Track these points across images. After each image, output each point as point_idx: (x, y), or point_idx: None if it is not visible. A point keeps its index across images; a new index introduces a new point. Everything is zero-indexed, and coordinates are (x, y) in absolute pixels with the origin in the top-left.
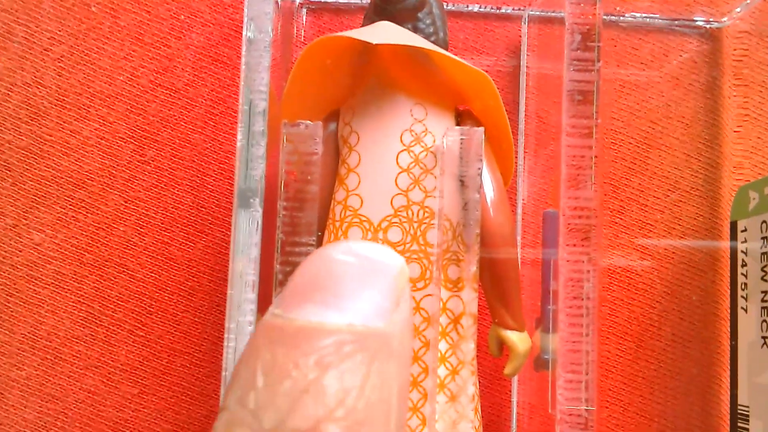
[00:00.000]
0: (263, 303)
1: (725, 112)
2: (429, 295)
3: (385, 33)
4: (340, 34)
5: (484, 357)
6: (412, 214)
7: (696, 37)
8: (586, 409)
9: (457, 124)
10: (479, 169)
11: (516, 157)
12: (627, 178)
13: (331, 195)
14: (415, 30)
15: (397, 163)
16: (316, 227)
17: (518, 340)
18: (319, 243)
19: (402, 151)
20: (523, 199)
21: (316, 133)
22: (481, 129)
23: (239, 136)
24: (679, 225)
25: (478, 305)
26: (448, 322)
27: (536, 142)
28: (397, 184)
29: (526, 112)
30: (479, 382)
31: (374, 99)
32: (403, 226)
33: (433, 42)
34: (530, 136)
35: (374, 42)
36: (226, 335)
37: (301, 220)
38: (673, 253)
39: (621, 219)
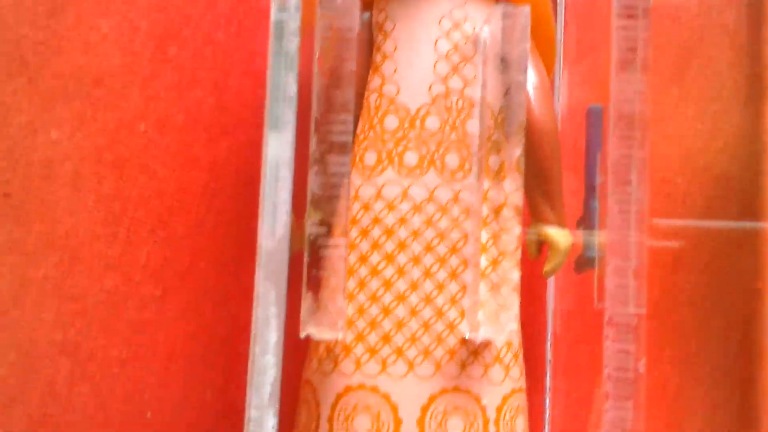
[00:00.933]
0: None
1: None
2: (467, 186)
3: None
4: None
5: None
6: (451, 103)
7: None
8: (638, 312)
9: None
10: (525, 50)
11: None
12: (667, 88)
13: (365, 83)
14: None
15: (436, 49)
16: (352, 105)
17: (560, 235)
18: (354, 127)
19: (440, 37)
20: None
21: (353, 7)
22: (527, 7)
23: (273, 10)
24: (721, 136)
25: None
26: (488, 212)
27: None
28: (435, 71)
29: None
30: None
31: None
32: (441, 115)
33: None
34: (569, 46)
35: None
36: (260, 218)
37: (337, 99)
38: (715, 165)
39: (661, 129)
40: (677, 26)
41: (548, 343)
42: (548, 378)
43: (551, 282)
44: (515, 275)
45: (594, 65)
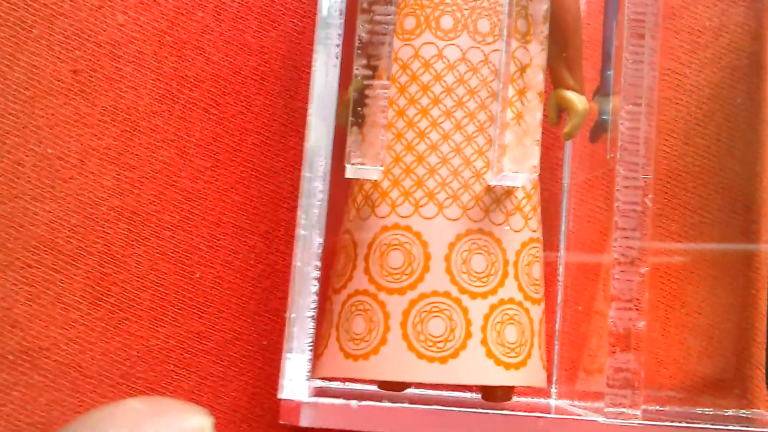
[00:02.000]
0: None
1: None
2: (497, 50)
3: None
4: None
5: None
6: None
7: None
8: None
9: None
10: None
11: None
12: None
13: None
14: None
15: None
16: None
17: (578, 99)
18: None
19: None
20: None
21: None
22: None
23: None
24: (728, 33)
25: None
26: (515, 70)
27: None
28: None
29: None
30: None
31: None
32: None
33: None
34: None
35: None
36: (314, 62)
37: None
38: (721, 59)
39: (672, 23)
40: None
41: (564, 204)
42: (563, 233)
43: (567, 153)
44: (538, 123)
45: None
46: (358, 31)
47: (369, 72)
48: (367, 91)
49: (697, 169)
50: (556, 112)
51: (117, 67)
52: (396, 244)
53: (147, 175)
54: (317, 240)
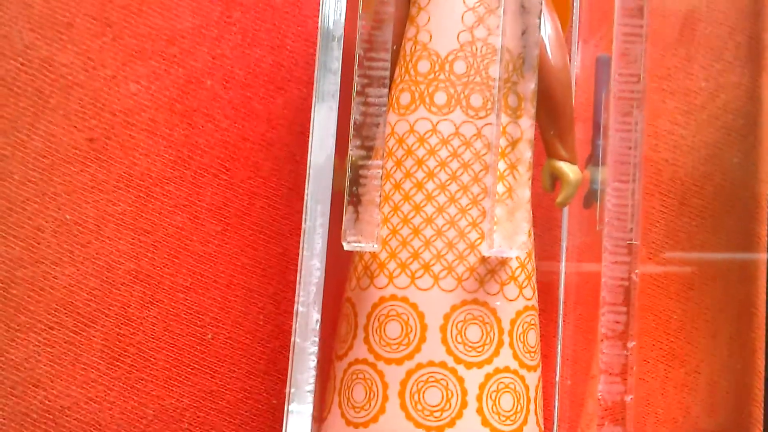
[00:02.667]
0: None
1: None
2: (489, 123)
3: None
4: None
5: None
6: (476, 49)
7: None
8: (630, 243)
9: None
10: None
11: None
12: (674, 48)
13: (402, 36)
14: None
15: (464, 2)
16: (389, 45)
17: (570, 170)
18: (390, 77)
19: None
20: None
21: None
22: None
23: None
24: (723, 94)
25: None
26: (506, 144)
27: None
28: (463, 21)
29: None
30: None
31: None
32: (467, 60)
33: None
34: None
35: None
36: (310, 142)
37: (377, 39)
38: (717, 120)
39: (667, 85)
40: None
41: (562, 272)
42: (561, 304)
43: (564, 217)
44: (527, 200)
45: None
46: (353, 113)
47: (363, 153)
48: (362, 171)
49: (695, 230)
50: (550, 180)
51: (131, 135)
52: (393, 315)
53: (161, 239)
54: (315, 316)
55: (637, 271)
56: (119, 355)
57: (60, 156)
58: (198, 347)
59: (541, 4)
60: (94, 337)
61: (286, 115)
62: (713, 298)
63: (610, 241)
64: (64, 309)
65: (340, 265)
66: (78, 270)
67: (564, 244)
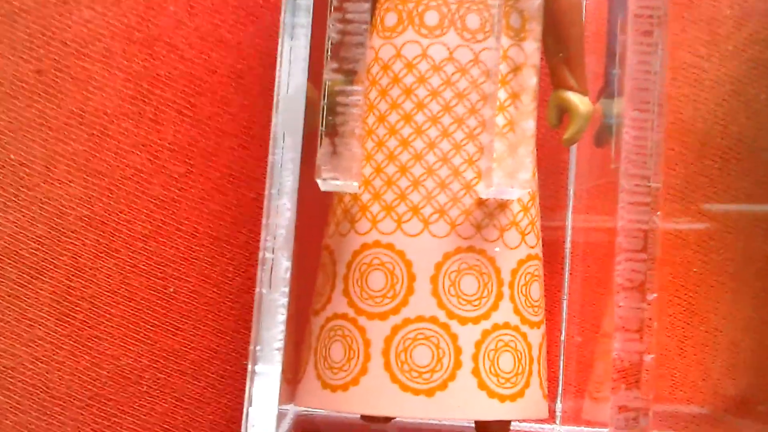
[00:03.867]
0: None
1: None
2: (488, 48)
3: None
4: None
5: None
6: None
7: None
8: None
9: None
10: None
11: None
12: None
13: None
14: None
15: None
16: None
17: (580, 101)
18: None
19: None
20: None
21: None
22: None
23: None
24: (749, 23)
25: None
26: (508, 71)
27: None
28: None
29: None
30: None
31: None
32: None
33: None
34: None
35: None
36: (278, 65)
37: None
38: (742, 51)
39: (689, 13)
40: None
41: (569, 213)
42: (567, 256)
43: (572, 156)
44: (531, 132)
45: None
46: (328, 31)
47: (341, 77)
48: (339, 98)
49: (717, 173)
50: (556, 115)
51: (83, 67)
52: (377, 264)
53: (117, 182)
54: (284, 263)
55: (659, 213)
56: (69, 310)
57: (4, 90)
58: (159, 302)
59: None
60: (41, 290)
61: (258, 44)
62: (736, 250)
63: (627, 180)
64: (8, 259)
65: (318, 208)
66: (24, 215)
67: (571, 189)
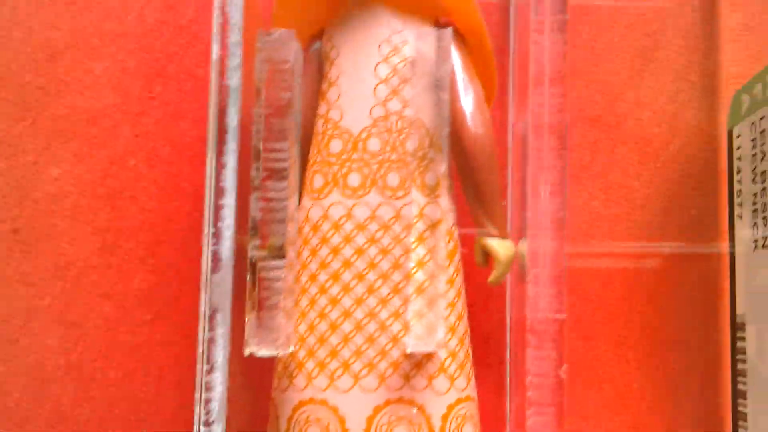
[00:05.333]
0: (241, 210)
1: (723, 22)
2: (408, 203)
3: None
4: None
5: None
6: (391, 124)
7: None
8: (556, 318)
9: None
10: (447, 70)
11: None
12: (623, 92)
13: (315, 112)
14: None
15: (376, 73)
16: (290, 134)
17: (500, 247)
18: (304, 158)
19: (380, 61)
20: (512, 123)
21: (290, 41)
22: (449, 29)
23: (213, 48)
24: (678, 138)
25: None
26: (425, 228)
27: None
28: (375, 95)
29: (516, 45)
30: (472, 301)
31: (354, 13)
32: (382, 136)
33: None
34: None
35: None
36: (204, 240)
37: (277, 126)
38: (672, 165)
39: (617, 133)
40: (632, 31)
41: (507, 351)
42: (507, 386)
43: (508, 289)
44: (451, 292)
45: None
46: (251, 209)
47: (263, 253)
48: (263, 273)
49: (653, 289)
50: (482, 256)
51: (54, 223)
52: (313, 420)
53: (90, 331)
54: None
55: (564, 366)
56: None
57: None
58: None
59: (448, 77)
60: None
61: None
62: (675, 364)
63: (533, 335)
64: None
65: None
66: (8, 368)
67: (508, 316)
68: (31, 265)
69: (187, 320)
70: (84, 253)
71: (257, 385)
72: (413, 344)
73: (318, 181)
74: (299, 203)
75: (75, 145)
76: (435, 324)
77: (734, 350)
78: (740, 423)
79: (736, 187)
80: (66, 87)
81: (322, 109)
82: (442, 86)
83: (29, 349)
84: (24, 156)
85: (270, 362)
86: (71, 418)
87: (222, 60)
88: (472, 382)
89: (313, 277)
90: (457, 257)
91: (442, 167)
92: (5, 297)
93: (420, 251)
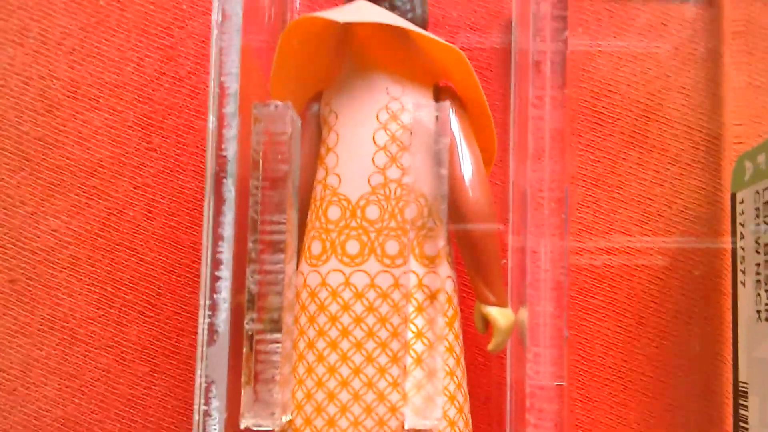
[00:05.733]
0: (237, 281)
1: (726, 81)
2: (406, 272)
3: (359, 12)
4: (314, 14)
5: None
6: (390, 191)
7: (695, 5)
8: (556, 384)
9: (436, 100)
10: (446, 144)
11: (508, 138)
12: (625, 152)
13: (314, 177)
14: (392, 8)
15: (374, 141)
16: (290, 206)
17: (499, 315)
18: (303, 222)
19: (378, 129)
20: (513, 182)
21: (287, 113)
22: (447, 103)
23: (210, 118)
24: (680, 199)
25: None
26: (424, 298)
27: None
28: (374, 162)
29: (517, 91)
30: (472, 360)
31: (352, 78)
32: (380, 204)
33: (409, 19)
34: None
35: (346, 21)
36: (201, 312)
37: (273, 199)
38: (675, 226)
39: (619, 194)
40: (635, 90)
41: (507, 416)
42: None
43: (509, 354)
44: (450, 361)
45: None
46: (247, 282)
47: (260, 326)
48: (259, 347)
49: (654, 351)
50: (482, 323)
51: (52, 275)
52: None
53: (87, 383)
54: None
55: None
56: None
57: None
58: None
59: (446, 151)
60: None
61: None
62: (676, 428)
63: (534, 400)
64: None
65: None
66: (5, 419)
67: (509, 381)
68: (28, 316)
69: (185, 373)
70: (81, 305)
71: None
72: (412, 420)
73: (316, 247)
74: (296, 268)
75: (73, 196)
76: (434, 396)
77: (736, 416)
78: None
79: (739, 253)
80: (65, 138)
81: (320, 174)
82: (441, 161)
83: (27, 400)
84: (23, 207)
85: None
86: None
87: (218, 131)
88: (470, 427)
89: (310, 345)
90: (457, 323)
91: (441, 240)
92: (2, 347)
93: (419, 322)
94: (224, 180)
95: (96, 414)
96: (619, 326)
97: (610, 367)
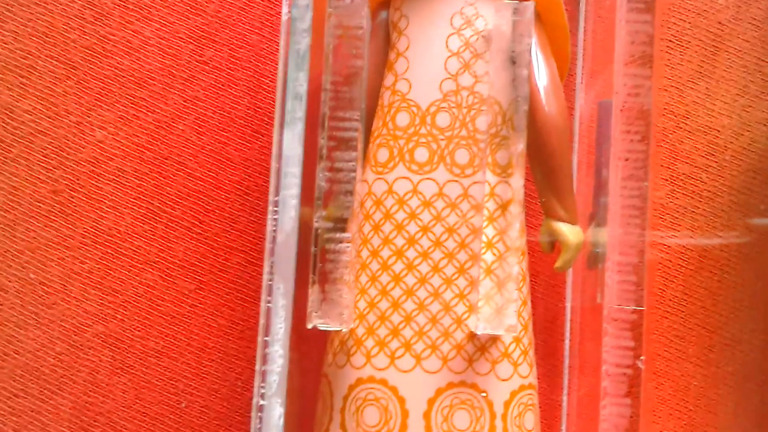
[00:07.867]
0: (307, 180)
1: None
2: (477, 182)
3: None
4: None
5: (540, 260)
6: (462, 99)
7: None
8: (634, 309)
9: None
10: (528, 44)
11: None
12: (693, 82)
13: (381, 82)
14: None
15: (447, 46)
16: (360, 103)
17: (570, 232)
18: (368, 129)
19: (452, 34)
20: (581, 106)
21: (362, 7)
22: (531, 3)
23: (283, 10)
24: (748, 131)
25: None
26: (495, 208)
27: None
28: (446, 68)
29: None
30: (533, 285)
31: None
32: (451, 112)
33: None
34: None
35: None
36: (269, 208)
37: (346, 95)
38: (742, 159)
39: (686, 124)
40: (704, 19)
41: (566, 341)
42: (566, 376)
43: (569, 278)
44: (518, 273)
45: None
46: (317, 179)
47: (330, 224)
48: (329, 245)
49: (716, 285)
50: (548, 241)
51: (97, 187)
52: (372, 399)
53: (130, 299)
54: (278, 410)
55: (642, 357)
56: (88, 425)
57: (23, 210)
58: (171, 416)
59: (529, 52)
60: (61, 405)
61: (265, 161)
62: (736, 363)
63: (610, 324)
64: (30, 375)
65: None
66: (44, 333)
67: (569, 306)
68: (70, 229)
69: (233, 291)
70: (126, 219)
71: (305, 358)
72: (482, 326)
73: (383, 154)
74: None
75: (121, 108)
76: (504, 307)
77: None
78: None
79: None
80: (113, 47)
81: (388, 80)
82: (521, 62)
83: (66, 314)
84: (68, 116)
85: (321, 337)
86: (107, 387)
87: (291, 22)
88: (534, 370)
89: (375, 253)
90: (524, 239)
91: (519, 146)
92: (42, 261)
93: (489, 232)
94: (296, 75)
95: (138, 330)
96: (681, 259)
97: (670, 300)
